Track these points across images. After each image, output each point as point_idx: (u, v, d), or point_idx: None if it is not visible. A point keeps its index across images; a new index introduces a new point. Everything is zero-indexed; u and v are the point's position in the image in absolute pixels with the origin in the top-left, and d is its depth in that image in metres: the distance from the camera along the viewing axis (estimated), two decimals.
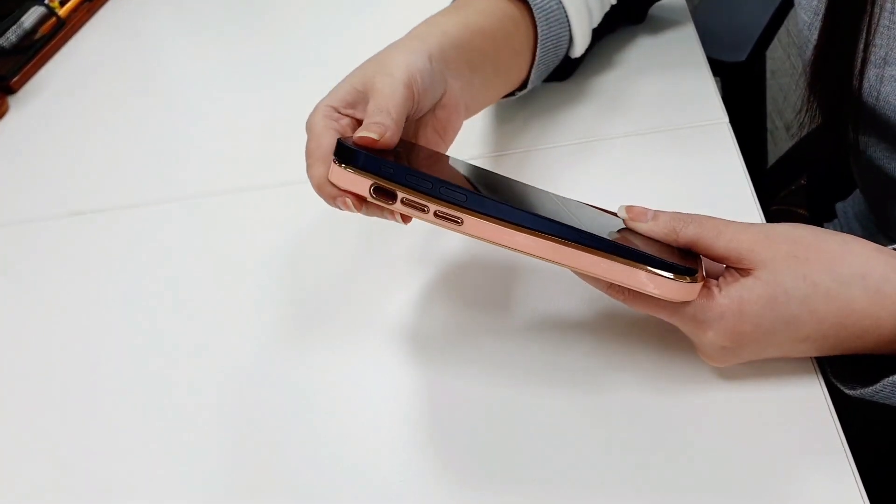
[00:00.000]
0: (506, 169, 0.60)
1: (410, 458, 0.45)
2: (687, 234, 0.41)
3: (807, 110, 0.61)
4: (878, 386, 0.41)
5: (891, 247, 0.42)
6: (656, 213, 0.42)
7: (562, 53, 0.61)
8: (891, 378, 0.40)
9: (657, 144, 0.59)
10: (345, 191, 0.42)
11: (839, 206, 0.73)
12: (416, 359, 0.50)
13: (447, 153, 0.51)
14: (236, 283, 0.58)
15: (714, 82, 0.63)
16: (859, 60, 0.52)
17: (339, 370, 0.50)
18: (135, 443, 0.49)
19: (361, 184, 0.41)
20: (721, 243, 0.41)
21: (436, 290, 0.53)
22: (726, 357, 0.43)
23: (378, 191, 0.41)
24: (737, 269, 0.41)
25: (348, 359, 0.51)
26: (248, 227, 0.62)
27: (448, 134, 0.51)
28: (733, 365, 0.44)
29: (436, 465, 0.45)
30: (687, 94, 0.62)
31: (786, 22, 0.90)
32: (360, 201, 0.43)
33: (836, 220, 0.72)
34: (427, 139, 0.50)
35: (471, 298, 0.52)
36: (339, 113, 0.46)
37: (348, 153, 0.42)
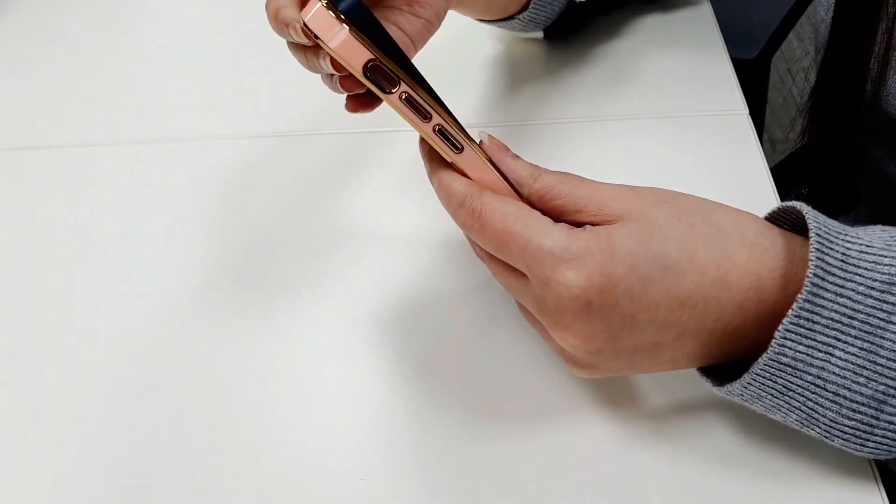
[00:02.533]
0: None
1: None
2: (545, 180, 0.35)
3: (811, 116, 0.57)
4: (746, 378, 0.34)
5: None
6: (517, 156, 0.37)
7: None
8: (762, 362, 0.33)
9: (670, 129, 0.55)
10: (311, 39, 0.32)
11: (841, 221, 0.69)
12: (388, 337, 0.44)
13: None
14: (190, 233, 0.51)
15: (733, 71, 0.58)
16: (876, 64, 0.48)
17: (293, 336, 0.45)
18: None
19: (356, 53, 0.31)
20: (583, 192, 0.35)
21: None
22: (591, 330, 0.34)
23: (375, 71, 0.31)
24: (597, 223, 0.34)
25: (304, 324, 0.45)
26: (216, 177, 0.55)
27: (426, 9, 0.41)
28: (601, 374, 0.36)
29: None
30: (705, 81, 0.58)
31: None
32: (315, 53, 0.34)
33: None
34: (399, 19, 0.41)
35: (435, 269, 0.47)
36: None
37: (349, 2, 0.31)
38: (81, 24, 0.70)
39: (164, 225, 0.52)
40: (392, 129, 0.54)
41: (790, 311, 0.33)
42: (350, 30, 0.31)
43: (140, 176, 0.56)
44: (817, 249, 0.33)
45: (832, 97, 0.54)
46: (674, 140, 0.54)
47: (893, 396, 0.33)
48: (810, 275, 0.33)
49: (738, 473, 0.38)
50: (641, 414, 0.40)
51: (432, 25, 0.42)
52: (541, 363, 0.42)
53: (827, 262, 0.33)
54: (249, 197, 0.53)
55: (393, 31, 0.40)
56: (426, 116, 0.32)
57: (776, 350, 0.33)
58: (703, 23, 0.63)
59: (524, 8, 0.54)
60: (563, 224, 0.34)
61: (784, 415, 0.35)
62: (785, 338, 0.33)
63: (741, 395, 0.35)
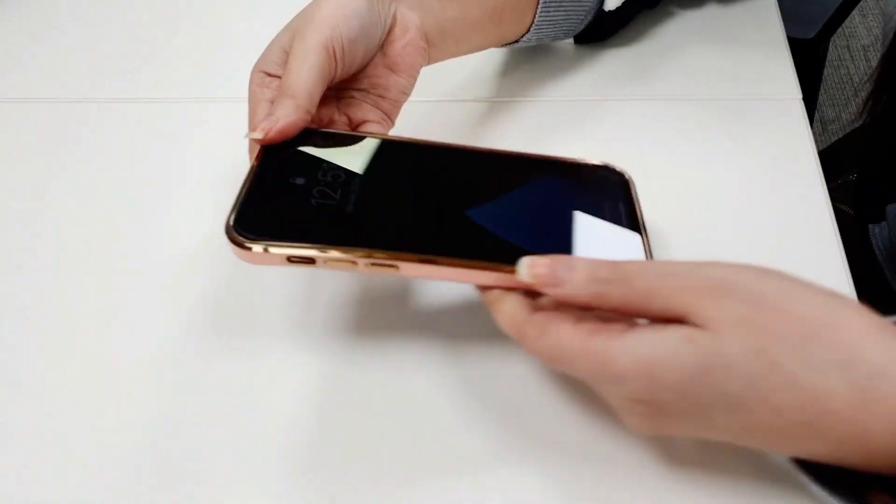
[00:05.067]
0: (515, 119, 0.54)
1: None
2: (612, 301, 0.32)
3: (872, 99, 0.55)
4: None
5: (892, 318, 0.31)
6: (571, 268, 0.32)
7: (588, 2, 0.53)
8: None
9: (720, 111, 0.54)
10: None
11: (891, 208, 0.68)
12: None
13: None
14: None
15: (789, 55, 0.57)
16: None
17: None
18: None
19: (268, 258, 0.34)
20: (657, 305, 0.31)
21: None
22: (651, 425, 0.32)
23: (295, 259, 0.35)
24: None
25: None
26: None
27: (402, 70, 0.44)
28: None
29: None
30: (760, 64, 0.57)
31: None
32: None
33: (883, 224, 0.68)
34: (378, 76, 0.44)
35: None
36: (271, 76, 0.42)
37: (246, 216, 0.35)
38: None
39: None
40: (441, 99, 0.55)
41: None
42: (246, 241, 0.34)
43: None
44: None
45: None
46: (723, 122, 0.53)
47: None
48: None
49: None
50: None
51: (400, 101, 0.45)
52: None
53: None
54: None
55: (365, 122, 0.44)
56: (354, 263, 0.35)
57: None
58: (762, 5, 0.62)
59: (528, 30, 0.51)
60: (601, 335, 0.31)
61: None
62: None
63: None
